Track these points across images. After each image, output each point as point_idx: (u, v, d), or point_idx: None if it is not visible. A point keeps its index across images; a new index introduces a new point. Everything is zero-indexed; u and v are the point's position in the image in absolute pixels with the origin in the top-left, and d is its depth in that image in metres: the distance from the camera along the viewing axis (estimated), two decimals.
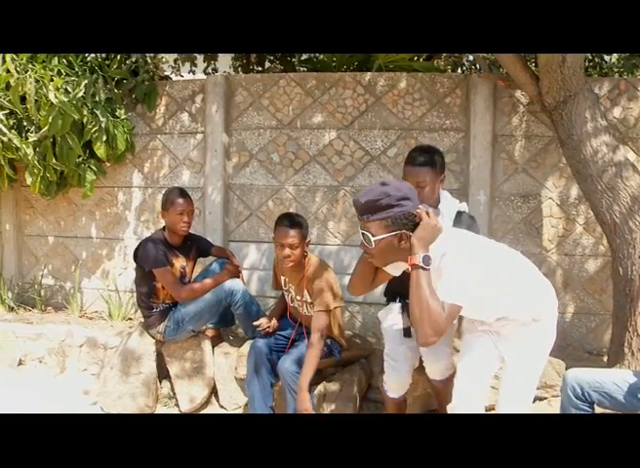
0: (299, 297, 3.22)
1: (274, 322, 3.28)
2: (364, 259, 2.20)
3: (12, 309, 4.64)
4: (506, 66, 3.57)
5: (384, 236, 1.97)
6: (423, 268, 1.92)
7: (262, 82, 4.41)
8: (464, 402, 2.31)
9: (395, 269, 2.20)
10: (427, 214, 1.99)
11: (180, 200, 3.50)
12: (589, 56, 5.29)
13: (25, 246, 4.90)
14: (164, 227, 3.58)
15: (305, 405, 2.89)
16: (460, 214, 2.79)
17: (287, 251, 3.02)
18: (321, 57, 5.51)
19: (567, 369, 2.85)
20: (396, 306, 2.92)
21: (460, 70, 6.08)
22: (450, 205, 2.80)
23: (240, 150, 4.41)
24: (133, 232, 4.60)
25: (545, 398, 3.24)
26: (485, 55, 5.02)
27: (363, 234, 2.01)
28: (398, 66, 4.71)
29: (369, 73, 4.32)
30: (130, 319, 4.47)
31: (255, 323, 3.26)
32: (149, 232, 4.41)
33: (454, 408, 2.33)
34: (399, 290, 2.81)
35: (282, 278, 3.32)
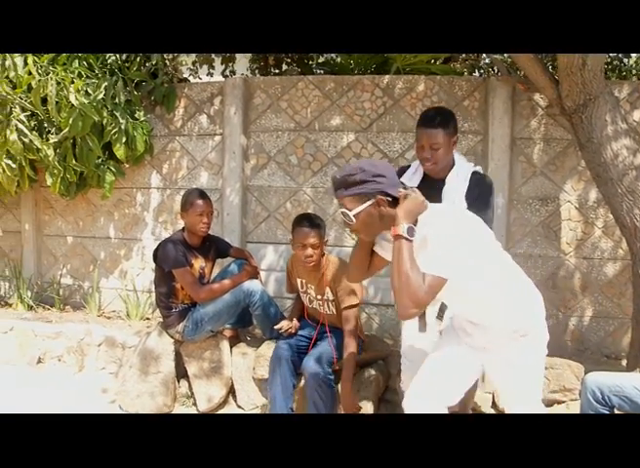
0: (319, 297, 3.24)
1: (295, 322, 3.30)
2: (357, 246, 2.23)
3: (31, 308, 4.69)
4: (525, 69, 3.56)
5: (362, 208, 1.96)
6: (407, 239, 1.91)
7: (281, 84, 4.43)
8: (419, 397, 2.22)
9: (390, 253, 2.17)
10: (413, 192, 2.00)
11: (200, 201, 3.53)
12: (608, 58, 5.27)
13: (44, 245, 4.95)
14: (183, 228, 3.61)
15: (355, 406, 2.95)
16: (475, 173, 2.75)
17: (309, 251, 3.06)
18: (338, 59, 5.53)
19: (586, 372, 2.84)
20: None
21: (477, 73, 6.07)
22: (464, 167, 2.77)
23: (258, 152, 4.44)
24: (151, 233, 4.64)
25: (564, 401, 3.23)
26: (503, 57, 5.02)
27: (342, 212, 2.02)
28: (416, 69, 4.71)
29: (387, 76, 4.33)
30: (147, 319, 4.50)
31: (276, 326, 3.29)
32: (167, 233, 4.44)
33: (407, 404, 2.25)
34: None
35: (298, 280, 3.34)
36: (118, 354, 3.99)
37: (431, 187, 2.58)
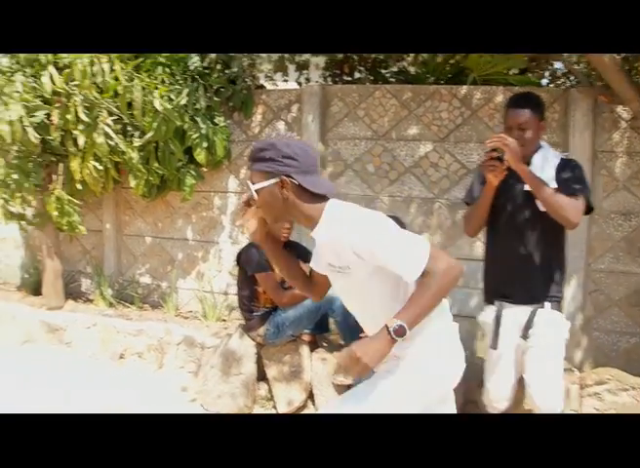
0: None
1: None
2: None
3: (111, 305, 4.86)
4: (610, 81, 3.52)
5: (263, 185, 1.85)
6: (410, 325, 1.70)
7: (358, 93, 4.49)
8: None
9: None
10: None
11: None
12: None
13: (124, 245, 5.12)
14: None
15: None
16: (565, 160, 2.74)
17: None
18: (411, 69, 5.54)
19: None
20: (490, 310, 2.86)
21: (553, 84, 5.99)
22: (551, 152, 2.76)
23: (335, 160, 4.50)
24: (228, 236, 4.76)
25: None
26: (582, 68, 4.95)
27: (247, 184, 1.92)
28: (493, 79, 4.69)
29: (464, 86, 4.33)
30: (223, 320, 4.61)
31: (362, 334, 3.33)
32: (244, 237, 4.55)
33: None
34: (500, 288, 2.80)
35: None
36: (197, 354, 4.10)
37: (514, 172, 2.59)
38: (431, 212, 4.28)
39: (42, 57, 4.86)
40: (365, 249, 1.76)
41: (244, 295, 3.65)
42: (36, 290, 5.20)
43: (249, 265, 3.55)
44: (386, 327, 1.69)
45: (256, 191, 1.87)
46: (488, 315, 2.86)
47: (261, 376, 3.73)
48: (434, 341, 1.90)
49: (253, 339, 3.68)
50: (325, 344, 3.93)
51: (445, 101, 4.31)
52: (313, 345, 3.79)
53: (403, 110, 4.38)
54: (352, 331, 3.51)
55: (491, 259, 2.94)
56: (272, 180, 1.84)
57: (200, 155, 4.46)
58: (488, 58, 4.52)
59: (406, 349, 1.84)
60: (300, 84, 5.68)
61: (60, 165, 4.69)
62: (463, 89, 4.30)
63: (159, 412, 1.76)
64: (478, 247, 4.11)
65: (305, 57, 5.47)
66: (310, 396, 3.66)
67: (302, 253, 3.87)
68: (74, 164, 4.55)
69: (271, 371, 3.65)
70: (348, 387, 3.48)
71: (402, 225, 3.51)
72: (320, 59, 5.63)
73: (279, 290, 3.54)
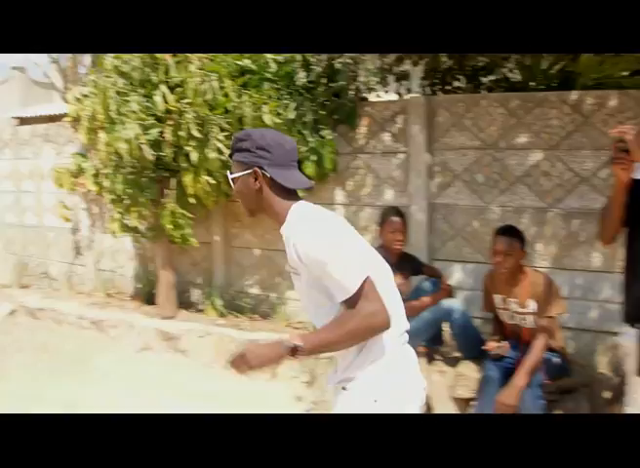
0: (521, 310, 3.24)
1: (506, 343, 3.28)
2: None
3: (222, 315, 5.02)
4: None
5: (238, 175, 1.85)
6: (298, 349, 1.68)
7: (464, 102, 4.46)
8: None
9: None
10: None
11: (393, 219, 3.65)
12: None
13: (233, 257, 5.29)
14: (381, 245, 3.73)
15: (511, 399, 2.90)
16: None
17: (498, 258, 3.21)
18: (510, 75, 5.46)
19: None
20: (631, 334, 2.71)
21: None
22: None
23: (443, 170, 4.49)
24: None
25: None
26: None
27: (225, 174, 1.96)
28: (603, 84, 4.56)
29: (574, 92, 4.22)
30: None
31: (486, 347, 3.30)
32: None
33: None
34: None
35: (497, 297, 3.34)
36: (310, 364, 4.17)
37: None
38: (544, 222, 4.19)
39: (154, 77, 5.12)
40: (307, 257, 1.72)
41: None
42: (149, 299, 5.44)
43: None
44: (283, 341, 1.69)
45: (232, 180, 1.89)
46: (629, 339, 2.53)
47: None
48: (380, 370, 1.81)
49: None
50: (437, 357, 3.92)
51: (555, 108, 4.21)
52: (429, 358, 3.79)
53: (511, 118, 4.32)
54: (470, 343, 3.50)
55: (632, 272, 2.56)
56: (246, 171, 1.83)
57: (309, 168, 4.55)
58: (598, 60, 4.40)
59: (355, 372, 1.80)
60: (399, 94, 5.71)
61: (172, 180, 4.89)
62: (574, 94, 4.19)
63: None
64: (595, 257, 4.01)
65: (405, 67, 5.48)
66: (428, 409, 3.65)
67: (416, 267, 3.89)
68: (187, 179, 4.74)
69: None
70: (468, 401, 3.47)
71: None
72: (418, 69, 5.64)
73: None
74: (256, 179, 1.82)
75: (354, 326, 1.65)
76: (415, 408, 1.84)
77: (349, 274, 1.67)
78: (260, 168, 1.81)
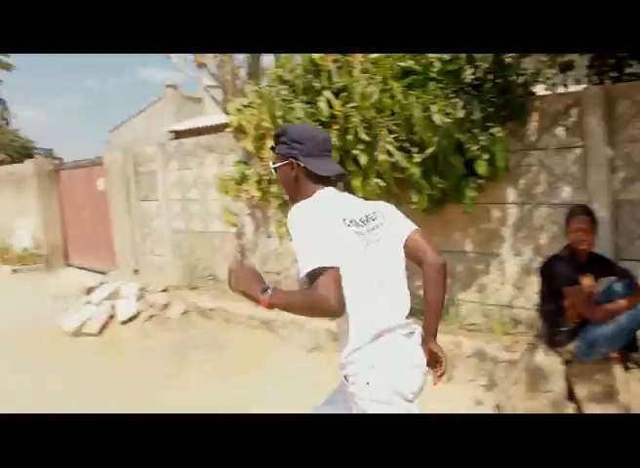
0: None
1: None
2: None
3: None
4: None
5: (277, 165, 2.13)
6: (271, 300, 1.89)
7: None
8: None
9: None
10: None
11: (575, 217, 3.48)
12: None
13: None
14: (568, 244, 3.56)
15: None
16: None
17: None
18: None
19: None
20: None
21: None
22: None
23: (627, 164, 4.20)
24: (510, 248, 4.65)
25: None
26: None
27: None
28: None
29: None
30: (509, 334, 4.51)
31: None
32: (529, 249, 4.43)
33: None
34: None
35: None
36: (488, 367, 4.07)
37: None
38: None
39: (316, 83, 5.24)
40: (289, 232, 1.92)
41: (549, 310, 3.54)
42: None
43: (555, 278, 3.45)
44: (261, 285, 1.92)
45: (275, 170, 2.15)
46: None
47: (569, 395, 3.58)
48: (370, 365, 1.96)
49: (559, 355, 3.55)
50: (632, 365, 3.67)
51: None
52: (624, 365, 3.56)
53: None
54: None
55: None
56: (284, 162, 2.09)
57: (481, 167, 4.43)
58: None
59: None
60: (565, 86, 5.43)
61: (340, 183, 4.96)
62: None
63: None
64: None
65: (569, 57, 5.20)
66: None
67: (607, 268, 3.66)
68: (356, 181, 4.80)
69: (581, 391, 3.48)
70: None
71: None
72: (583, 58, 5.34)
73: (591, 304, 3.39)
74: (292, 169, 2.07)
75: (302, 302, 1.87)
76: (405, 401, 1.97)
77: (306, 258, 1.83)
78: (296, 158, 2.06)
